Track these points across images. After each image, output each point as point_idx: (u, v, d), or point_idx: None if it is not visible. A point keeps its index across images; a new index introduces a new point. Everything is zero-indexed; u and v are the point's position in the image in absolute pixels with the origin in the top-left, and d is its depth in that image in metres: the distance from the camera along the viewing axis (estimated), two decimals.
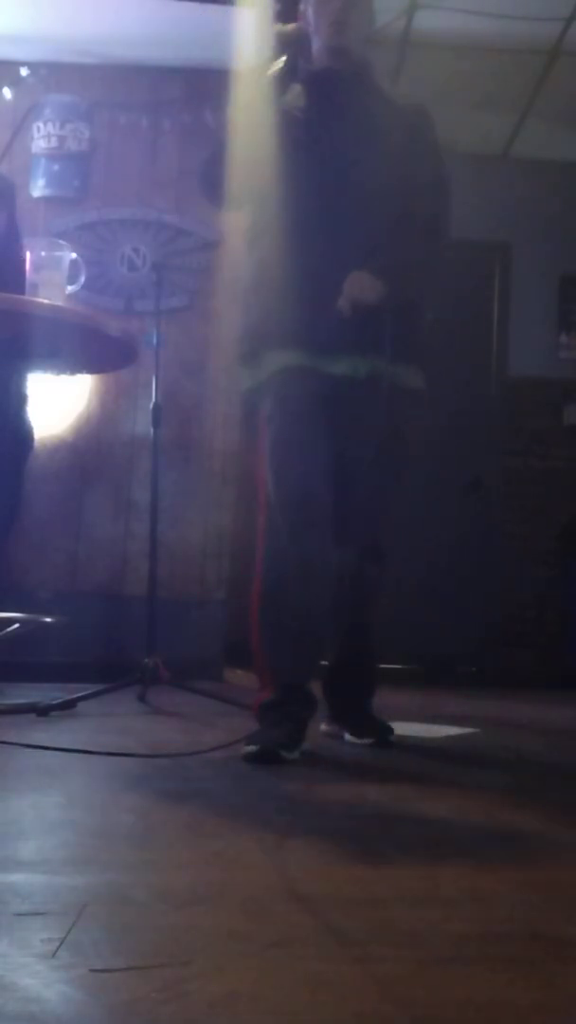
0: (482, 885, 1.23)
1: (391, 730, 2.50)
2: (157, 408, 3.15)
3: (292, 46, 2.39)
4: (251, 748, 2.12)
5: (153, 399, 3.16)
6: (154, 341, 3.22)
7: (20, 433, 3.01)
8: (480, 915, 1.09)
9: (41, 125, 4.21)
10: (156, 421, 3.14)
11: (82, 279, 3.04)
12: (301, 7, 2.52)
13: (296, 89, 2.42)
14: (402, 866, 1.32)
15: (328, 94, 2.43)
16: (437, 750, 2.50)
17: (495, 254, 5.51)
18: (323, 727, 2.57)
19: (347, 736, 2.54)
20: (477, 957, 0.95)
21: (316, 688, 2.42)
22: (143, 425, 3.54)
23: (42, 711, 2.64)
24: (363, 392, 2.34)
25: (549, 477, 5.40)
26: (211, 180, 2.44)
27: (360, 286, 2.27)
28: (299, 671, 2.34)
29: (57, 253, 2.91)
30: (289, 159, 2.35)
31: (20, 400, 3.02)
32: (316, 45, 2.46)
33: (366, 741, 2.49)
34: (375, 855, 1.36)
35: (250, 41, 3.94)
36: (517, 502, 5.37)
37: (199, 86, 4.25)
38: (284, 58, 2.36)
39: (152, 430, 3.15)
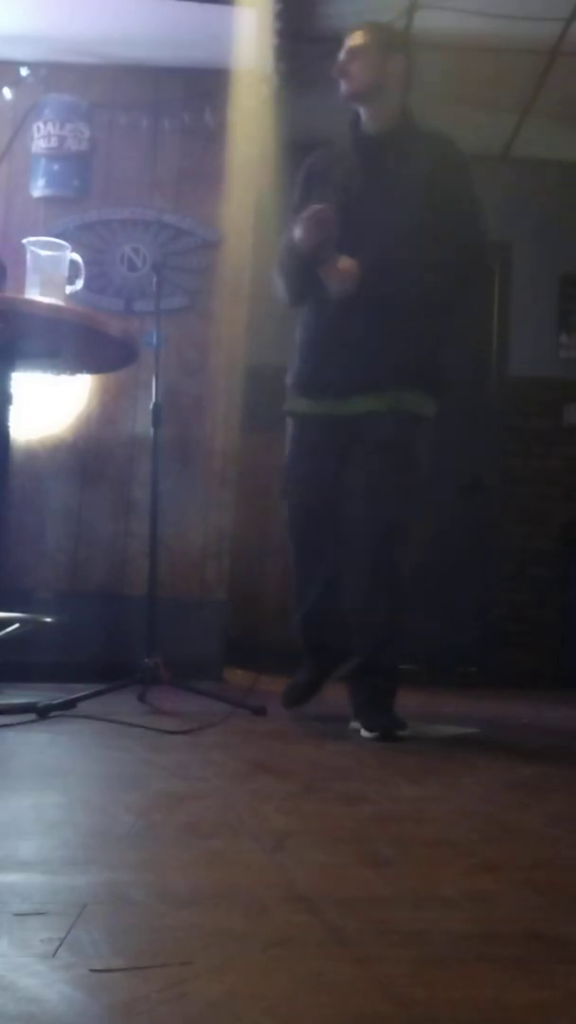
0: (482, 885, 1.23)
1: (402, 725, 2.57)
2: (157, 408, 3.15)
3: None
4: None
5: (153, 399, 3.16)
6: (154, 341, 3.22)
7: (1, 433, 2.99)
8: (480, 915, 1.09)
9: (41, 125, 4.21)
10: (156, 421, 3.14)
11: (82, 279, 3.03)
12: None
13: (345, 163, 2.80)
14: (402, 866, 1.32)
15: (358, 164, 2.76)
16: (437, 750, 2.50)
17: (495, 254, 5.51)
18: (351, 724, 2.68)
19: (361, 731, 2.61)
20: (477, 957, 0.95)
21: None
22: (143, 425, 3.53)
23: (42, 711, 2.64)
24: (366, 421, 2.66)
25: (549, 477, 5.40)
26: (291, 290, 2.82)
27: (344, 270, 2.61)
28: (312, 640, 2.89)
29: (57, 253, 2.90)
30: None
31: (3, 400, 3.00)
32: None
33: (374, 735, 2.56)
34: (375, 855, 1.36)
35: (250, 41, 3.95)
36: (517, 502, 5.37)
37: (199, 86, 4.24)
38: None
39: (152, 430, 3.15)
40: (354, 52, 2.74)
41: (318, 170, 2.87)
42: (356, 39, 2.75)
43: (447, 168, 2.71)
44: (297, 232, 2.66)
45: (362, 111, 2.78)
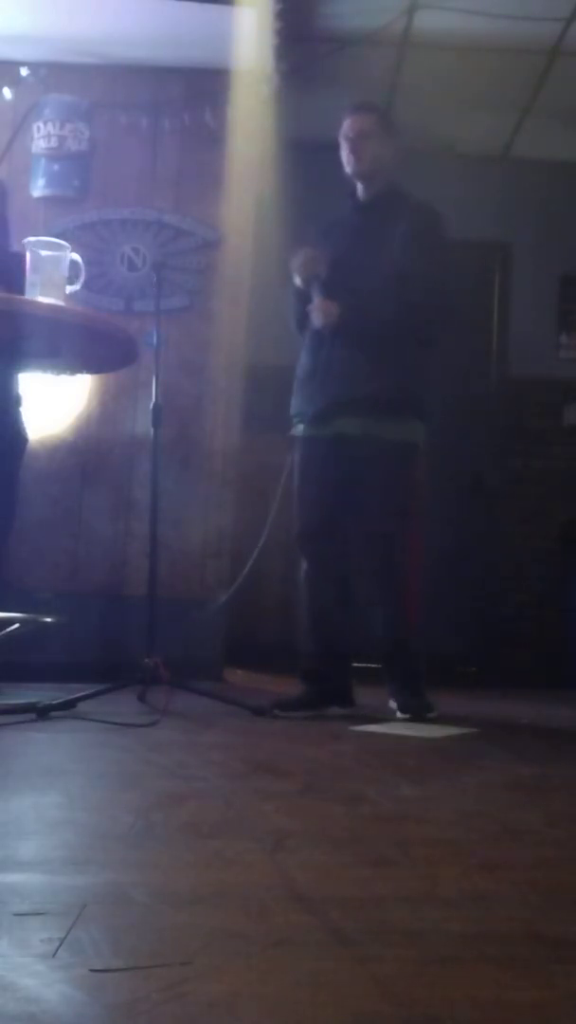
0: (482, 885, 1.23)
1: (431, 708, 3.01)
2: (157, 408, 3.15)
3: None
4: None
5: (153, 399, 3.16)
6: (154, 341, 3.22)
7: (14, 434, 3.00)
8: (480, 915, 1.09)
9: (41, 125, 4.20)
10: (156, 421, 3.14)
11: (82, 279, 3.03)
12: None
13: (341, 225, 3.24)
14: (402, 866, 1.32)
15: (351, 225, 3.20)
16: (437, 750, 2.50)
17: (495, 254, 5.51)
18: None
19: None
20: (477, 957, 0.95)
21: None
22: (143, 425, 3.53)
23: (42, 711, 2.64)
24: (349, 443, 3.03)
25: (549, 477, 5.40)
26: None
27: (324, 309, 3.03)
28: (316, 659, 3.11)
29: (57, 253, 2.90)
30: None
31: (14, 401, 3.01)
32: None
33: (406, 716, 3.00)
34: (375, 855, 1.36)
35: (250, 41, 3.95)
36: (517, 502, 5.36)
37: (199, 86, 4.24)
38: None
39: (152, 430, 3.15)
40: (366, 133, 3.12)
41: (322, 230, 3.27)
42: (365, 121, 3.13)
43: (421, 229, 3.08)
44: (293, 267, 3.14)
45: (360, 183, 3.19)
